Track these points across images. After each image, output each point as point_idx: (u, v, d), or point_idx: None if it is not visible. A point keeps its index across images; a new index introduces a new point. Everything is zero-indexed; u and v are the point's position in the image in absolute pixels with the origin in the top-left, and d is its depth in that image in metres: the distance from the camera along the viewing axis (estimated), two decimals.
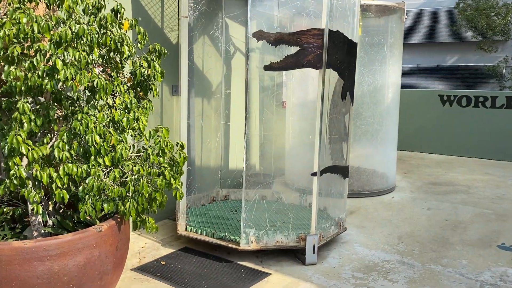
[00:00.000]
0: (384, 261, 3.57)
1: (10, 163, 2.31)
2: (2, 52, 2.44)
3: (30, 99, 2.51)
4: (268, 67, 3.34)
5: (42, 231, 2.58)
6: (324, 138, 3.58)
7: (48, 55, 2.42)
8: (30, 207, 2.53)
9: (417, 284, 3.17)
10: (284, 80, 5.19)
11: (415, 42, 18.44)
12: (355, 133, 5.43)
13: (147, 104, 2.83)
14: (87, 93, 2.64)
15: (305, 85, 5.07)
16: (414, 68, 18.49)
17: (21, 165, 2.33)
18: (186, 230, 3.79)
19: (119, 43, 2.51)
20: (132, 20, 2.64)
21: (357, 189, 5.48)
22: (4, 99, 2.66)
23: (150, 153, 2.62)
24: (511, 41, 14.88)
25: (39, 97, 2.62)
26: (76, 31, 2.32)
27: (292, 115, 5.22)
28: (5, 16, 2.64)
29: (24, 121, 2.31)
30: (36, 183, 2.42)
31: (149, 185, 2.55)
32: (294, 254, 3.59)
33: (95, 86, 2.42)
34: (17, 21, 2.34)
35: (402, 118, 8.27)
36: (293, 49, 3.34)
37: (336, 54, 3.43)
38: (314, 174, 3.46)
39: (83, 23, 2.43)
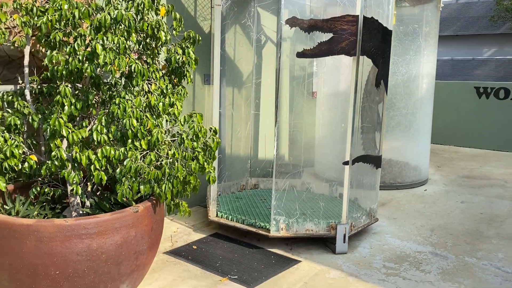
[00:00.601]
0: (416, 252, 3.52)
1: (51, 145, 2.40)
2: (44, 38, 2.54)
3: (69, 85, 2.60)
4: (301, 54, 3.32)
5: (81, 212, 2.68)
6: (357, 127, 3.55)
7: (87, 40, 2.49)
8: (69, 188, 2.63)
9: (451, 275, 3.12)
10: (315, 70, 5.15)
11: (450, 34, 17.91)
12: (387, 125, 5.35)
13: (181, 90, 2.87)
14: (123, 79, 2.71)
15: (336, 74, 5.02)
16: (448, 61, 17.98)
17: (62, 147, 2.42)
18: (216, 216, 3.84)
19: (155, 29, 2.56)
20: (168, 6, 2.68)
21: (388, 181, 5.41)
22: (44, 85, 2.77)
23: (185, 138, 2.66)
24: None
25: (77, 83, 2.71)
26: (114, 16, 2.38)
27: (323, 105, 5.18)
28: (46, 4, 2.73)
29: (65, 104, 2.39)
30: (76, 164, 2.51)
31: (184, 168, 2.60)
32: (324, 243, 3.59)
33: (133, 71, 2.48)
34: (59, 7, 2.42)
35: (436, 110, 8.08)
36: (326, 37, 3.31)
37: (371, 41, 3.38)
38: (346, 163, 3.43)
39: (121, 8, 2.48)
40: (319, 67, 5.10)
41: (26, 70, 2.74)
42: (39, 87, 2.78)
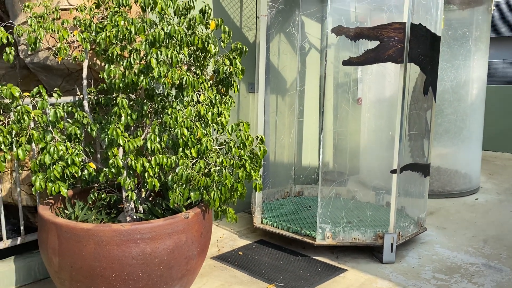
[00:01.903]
0: (467, 263, 3.41)
1: (109, 153, 2.54)
2: (102, 52, 2.70)
3: (125, 97, 2.74)
4: (347, 62, 3.32)
5: (134, 217, 2.81)
6: (404, 135, 3.49)
7: (142, 54, 2.62)
8: (124, 194, 2.76)
9: None
10: (360, 76, 5.11)
11: (501, 36, 17.15)
12: (435, 131, 5.21)
13: (229, 99, 2.95)
14: (174, 90, 2.82)
15: (382, 80, 4.96)
16: (500, 63, 17.22)
17: (118, 155, 2.56)
18: (262, 223, 3.89)
19: (206, 42, 2.65)
20: (218, 20, 2.77)
21: (437, 189, 5.26)
22: (101, 96, 2.93)
23: (232, 146, 2.73)
24: None
25: (131, 94, 2.85)
26: (168, 31, 2.49)
27: (368, 112, 5.12)
28: (103, 20, 2.90)
29: (122, 115, 2.52)
30: (131, 172, 2.64)
31: (232, 176, 2.67)
32: (370, 252, 3.55)
33: (184, 82, 2.58)
34: (116, 24, 2.57)
35: (487, 116, 7.77)
36: (371, 44, 3.29)
37: (418, 48, 3.33)
38: (394, 171, 3.39)
39: (174, 24, 2.60)
40: (364, 74, 5.06)
41: (85, 82, 2.91)
42: (95, 98, 2.95)
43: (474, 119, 5.37)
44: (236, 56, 2.97)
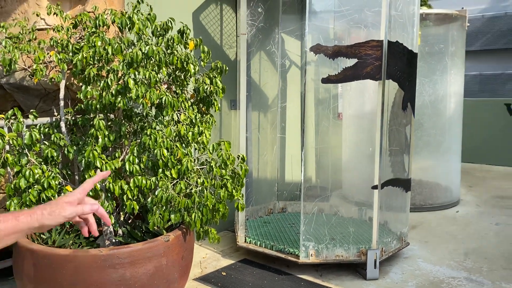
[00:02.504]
0: (450, 277, 3.42)
1: (86, 176, 2.49)
2: (79, 73, 2.66)
3: (102, 116, 2.70)
4: (326, 80, 3.35)
5: (113, 240, 2.74)
6: (384, 150, 3.52)
7: (120, 74, 2.60)
8: None
9: None
10: (340, 92, 5.17)
11: (477, 49, 17.61)
12: (416, 145, 5.27)
13: (209, 118, 2.94)
14: (154, 110, 2.80)
15: (361, 96, 5.02)
16: (477, 76, 17.65)
17: None
18: (245, 241, 3.84)
19: (185, 62, 2.65)
20: (197, 40, 2.77)
21: (419, 203, 5.30)
22: (78, 116, 2.88)
23: (213, 166, 2.71)
24: None
25: (110, 114, 2.81)
26: (146, 51, 2.48)
27: (349, 127, 5.17)
28: (80, 40, 2.87)
29: (99, 136, 2.48)
30: (109, 194, 2.59)
31: (213, 196, 2.64)
32: (354, 269, 3.53)
33: (163, 102, 2.56)
34: (93, 44, 2.54)
35: (466, 128, 7.92)
36: (350, 62, 3.34)
37: (396, 64, 3.38)
38: (375, 187, 3.40)
39: (152, 44, 2.59)
40: (344, 89, 5.12)
41: (62, 103, 2.86)
42: (73, 118, 2.90)
43: (453, 132, 5.47)
44: (216, 75, 2.96)
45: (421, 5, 5.52)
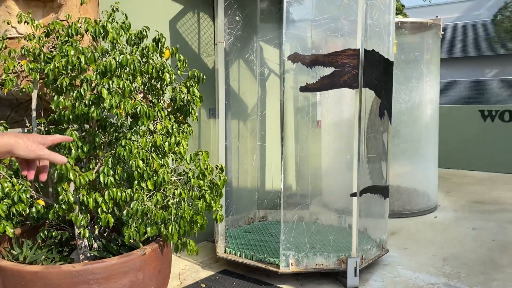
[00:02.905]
0: (429, 284, 3.44)
1: (59, 189, 2.41)
2: (52, 83, 2.59)
3: (76, 126, 2.63)
4: (304, 89, 3.36)
5: (88, 254, 2.66)
6: (363, 158, 3.54)
7: (93, 84, 2.54)
8: (77, 231, 2.62)
9: None
10: (319, 99, 5.19)
11: (452, 57, 18.06)
12: (393, 152, 5.33)
13: (187, 128, 2.90)
14: (129, 119, 2.74)
15: (339, 104, 5.05)
16: (452, 82, 18.07)
17: (69, 191, 2.43)
18: (225, 252, 3.79)
19: (160, 71, 2.60)
20: (172, 49, 2.74)
21: (397, 209, 5.34)
22: (52, 127, 2.80)
23: (191, 176, 2.67)
24: None
25: (84, 125, 2.74)
26: (120, 61, 2.43)
27: (328, 135, 5.19)
28: (53, 49, 2.80)
29: (72, 148, 2.41)
30: (83, 207, 2.51)
31: (191, 208, 2.59)
32: (335, 277, 3.52)
33: (138, 112, 2.51)
34: (66, 54, 2.48)
35: (442, 135, 8.06)
36: (328, 70, 3.35)
37: (372, 73, 3.41)
38: (354, 194, 3.41)
39: (126, 53, 2.54)
40: (322, 97, 5.14)
41: (34, 113, 2.78)
42: (46, 129, 2.81)
43: (430, 138, 5.55)
44: (193, 84, 2.93)
45: (396, 14, 5.61)
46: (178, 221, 2.54)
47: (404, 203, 5.40)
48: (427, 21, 5.36)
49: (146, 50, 2.58)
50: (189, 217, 2.56)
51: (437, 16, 5.48)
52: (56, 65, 2.42)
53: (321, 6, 3.61)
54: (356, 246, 3.43)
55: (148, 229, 2.45)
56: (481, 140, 8.23)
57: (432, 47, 5.44)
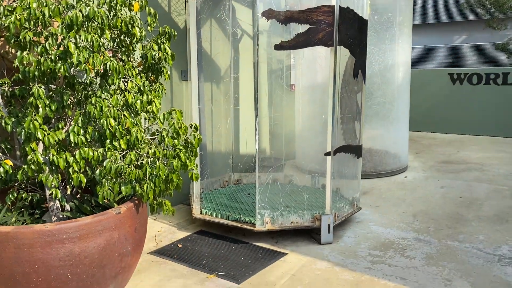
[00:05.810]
0: (400, 238, 3.57)
1: (27, 149, 2.32)
2: (14, 39, 2.44)
3: (43, 86, 2.52)
4: (279, 47, 3.30)
5: (61, 216, 2.61)
6: (336, 118, 3.56)
7: (59, 39, 2.41)
8: (48, 192, 2.55)
9: (435, 259, 3.17)
10: (293, 63, 5.15)
11: (422, 23, 18.19)
12: (366, 114, 5.39)
13: (159, 87, 2.82)
14: (99, 78, 2.64)
15: (314, 66, 5.03)
16: (422, 48, 18.27)
17: (38, 151, 2.34)
18: (201, 213, 3.80)
19: (130, 25, 2.50)
20: (142, 2, 2.62)
21: (369, 170, 5.46)
22: (16, 87, 2.67)
23: (165, 136, 2.62)
24: None
25: (51, 84, 2.63)
26: (86, 13, 2.31)
27: (302, 98, 5.19)
28: (14, 2, 2.63)
29: (39, 106, 2.31)
30: (53, 168, 2.44)
31: (166, 167, 2.56)
32: (309, 235, 3.60)
33: (108, 69, 2.41)
34: (28, 6, 2.33)
35: (412, 98, 8.21)
36: (302, 28, 3.30)
37: (347, 31, 3.38)
38: (328, 154, 3.44)
39: (93, 5, 2.41)
40: (296, 60, 5.10)
41: None
42: (10, 89, 2.68)
43: (401, 101, 5.63)
44: (164, 41, 2.83)
45: None
46: (153, 180, 2.50)
47: (375, 164, 5.51)
48: None
49: (114, 2, 2.45)
50: (164, 176, 2.52)
51: None
52: (18, 17, 2.28)
53: None
54: (329, 203, 3.49)
55: (123, 187, 2.41)
56: (450, 103, 8.43)
57: (405, 8, 5.44)
